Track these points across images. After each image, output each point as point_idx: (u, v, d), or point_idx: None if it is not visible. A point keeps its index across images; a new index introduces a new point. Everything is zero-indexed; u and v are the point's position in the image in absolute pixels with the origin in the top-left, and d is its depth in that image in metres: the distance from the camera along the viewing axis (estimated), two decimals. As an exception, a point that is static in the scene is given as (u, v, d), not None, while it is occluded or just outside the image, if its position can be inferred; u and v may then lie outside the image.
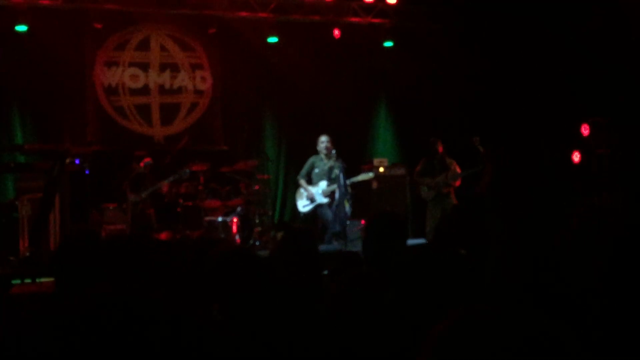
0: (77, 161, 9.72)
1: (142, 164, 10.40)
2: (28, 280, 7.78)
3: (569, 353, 1.20)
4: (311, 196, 10.39)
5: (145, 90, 12.11)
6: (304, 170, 10.60)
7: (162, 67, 12.22)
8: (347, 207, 9.85)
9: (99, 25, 11.35)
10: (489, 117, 11.65)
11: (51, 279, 7.84)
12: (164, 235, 10.61)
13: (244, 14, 11.99)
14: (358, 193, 10.86)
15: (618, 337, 1.97)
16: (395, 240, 3.85)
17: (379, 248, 3.80)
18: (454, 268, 2.15)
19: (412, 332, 1.97)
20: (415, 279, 2.13)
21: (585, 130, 11.05)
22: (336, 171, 10.08)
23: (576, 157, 11.16)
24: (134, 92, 12.03)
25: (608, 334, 1.95)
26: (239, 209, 10.89)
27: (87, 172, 9.92)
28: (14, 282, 7.58)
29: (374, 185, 11.47)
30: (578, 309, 2.20)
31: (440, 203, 10.37)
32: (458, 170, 10.51)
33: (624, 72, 10.41)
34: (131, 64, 12.04)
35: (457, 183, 10.54)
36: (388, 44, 12.54)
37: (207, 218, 10.62)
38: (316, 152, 10.55)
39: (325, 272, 4.06)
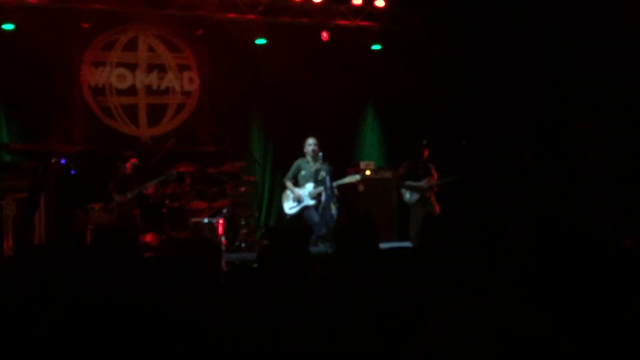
0: (63, 161, 9.70)
1: (128, 165, 10.37)
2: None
3: (561, 348, 1.21)
4: (298, 197, 10.38)
5: (132, 90, 12.08)
6: (290, 173, 10.60)
7: (150, 68, 12.19)
8: (334, 209, 9.85)
9: (86, 25, 11.31)
10: (477, 121, 11.68)
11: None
12: (149, 236, 10.61)
13: (232, 15, 11.97)
14: (345, 196, 10.86)
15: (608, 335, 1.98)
16: (368, 241, 3.86)
17: (352, 251, 3.80)
18: (432, 270, 2.15)
19: (389, 335, 1.97)
20: (392, 281, 2.13)
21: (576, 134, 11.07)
22: (322, 173, 10.08)
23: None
24: (121, 92, 11.99)
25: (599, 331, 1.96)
26: (225, 210, 10.87)
27: (72, 172, 9.89)
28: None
29: (361, 188, 11.48)
30: (568, 305, 2.21)
31: (424, 207, 10.39)
32: (435, 177, 10.55)
33: (617, 77, 10.45)
34: (118, 64, 12.01)
35: (435, 189, 10.60)
36: (376, 47, 12.57)
37: (193, 219, 10.60)
38: (303, 155, 10.55)
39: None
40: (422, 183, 10.51)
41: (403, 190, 10.66)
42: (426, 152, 10.61)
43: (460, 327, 1.24)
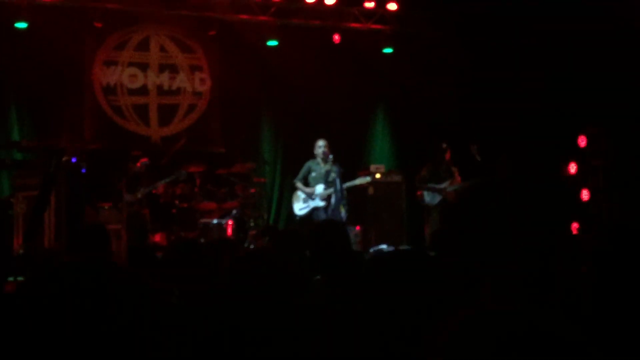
0: (73, 159, 9.70)
1: (138, 164, 10.39)
2: (21, 279, 7.75)
3: (577, 352, 1.20)
4: (310, 193, 10.35)
5: (143, 90, 12.10)
6: (300, 174, 10.60)
7: (161, 68, 12.21)
8: (343, 211, 9.85)
9: (99, 24, 11.34)
10: (487, 126, 11.64)
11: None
12: (158, 236, 10.63)
13: (244, 16, 11.99)
14: (354, 199, 10.86)
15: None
16: (339, 244, 3.86)
17: (325, 255, 3.80)
18: (424, 272, 2.13)
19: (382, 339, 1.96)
20: (384, 284, 2.11)
21: (582, 141, 11.06)
22: (333, 175, 10.08)
23: (572, 168, 11.16)
24: (132, 92, 12.02)
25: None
26: (234, 211, 10.88)
27: (83, 170, 9.89)
28: (8, 279, 7.55)
29: (370, 191, 11.47)
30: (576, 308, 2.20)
31: (444, 209, 10.32)
32: (458, 180, 10.49)
33: (621, 82, 10.42)
34: (130, 64, 12.04)
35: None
36: (388, 50, 12.56)
37: (202, 220, 10.61)
38: (313, 156, 10.54)
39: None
40: (444, 185, 10.45)
41: (426, 192, 10.57)
42: (448, 154, 10.54)
43: (475, 332, 1.23)
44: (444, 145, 10.52)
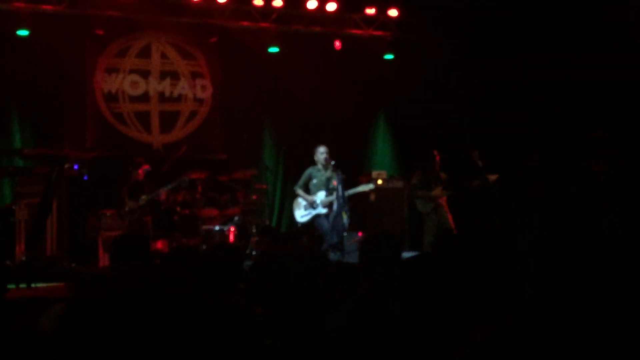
0: (75, 167, 9.72)
1: (140, 171, 10.38)
2: (23, 285, 7.75)
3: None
4: (312, 202, 10.34)
5: (145, 97, 12.11)
6: (301, 181, 10.57)
7: (163, 75, 12.23)
8: (345, 218, 9.83)
9: (100, 32, 11.36)
10: (488, 131, 11.63)
11: (46, 284, 7.83)
12: (160, 243, 10.61)
13: (245, 23, 12.01)
14: (356, 205, 10.85)
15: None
16: (390, 260, 3.87)
17: (374, 267, 3.81)
18: (452, 276, 2.13)
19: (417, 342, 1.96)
20: (416, 288, 2.12)
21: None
22: (334, 182, 10.07)
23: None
24: (133, 99, 12.03)
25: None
26: (236, 218, 10.87)
27: (85, 178, 9.91)
28: (9, 286, 7.55)
29: (372, 197, 11.47)
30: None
31: (437, 216, 10.36)
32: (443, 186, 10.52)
33: (623, 88, 10.42)
34: (132, 71, 12.05)
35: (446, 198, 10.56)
36: (389, 56, 12.58)
37: (204, 227, 10.60)
38: (314, 163, 10.53)
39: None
40: (435, 192, 10.47)
41: (418, 200, 10.62)
42: (437, 162, 10.58)
43: (504, 341, 1.22)
44: (435, 152, 10.54)
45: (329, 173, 10.30)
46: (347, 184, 10.18)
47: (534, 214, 9.99)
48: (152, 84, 12.15)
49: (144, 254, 4.06)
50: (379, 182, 11.64)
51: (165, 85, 12.23)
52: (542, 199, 10.31)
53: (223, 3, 11.72)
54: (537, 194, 10.36)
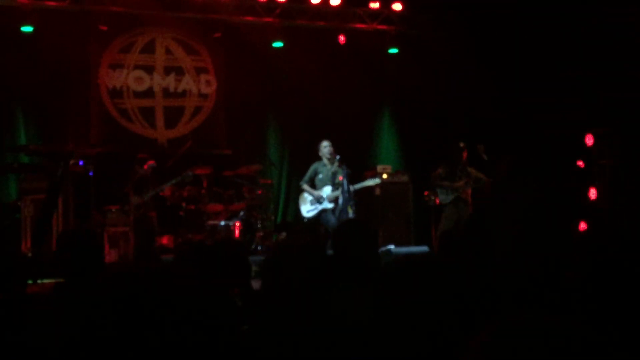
0: (81, 163, 9.73)
1: (145, 167, 10.38)
2: (29, 281, 7.76)
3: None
4: (319, 197, 10.31)
5: (149, 93, 12.12)
6: (307, 176, 10.53)
7: (167, 70, 12.23)
8: (351, 213, 9.82)
9: (104, 27, 11.35)
10: (493, 126, 11.62)
11: (52, 280, 7.84)
12: (165, 239, 10.63)
13: (249, 18, 11.99)
14: (361, 199, 10.83)
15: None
16: (366, 248, 3.84)
17: (349, 256, 3.78)
18: (447, 277, 2.12)
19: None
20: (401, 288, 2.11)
21: (589, 140, 11.05)
22: (340, 176, 10.05)
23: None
24: (138, 94, 12.04)
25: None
26: (241, 213, 10.88)
27: (90, 173, 9.91)
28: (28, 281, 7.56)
29: (377, 192, 11.46)
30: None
31: (456, 208, 10.22)
32: (482, 175, 10.33)
33: (628, 82, 10.40)
34: (136, 67, 12.06)
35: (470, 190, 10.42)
36: (393, 50, 12.55)
37: (210, 222, 10.62)
38: (319, 158, 10.51)
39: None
40: (459, 184, 10.29)
41: (439, 190, 10.44)
42: (465, 154, 10.38)
43: (512, 342, 1.22)
44: (462, 145, 10.35)
45: (334, 168, 10.28)
46: (353, 178, 10.17)
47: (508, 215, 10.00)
48: (157, 80, 12.15)
49: (92, 248, 3.95)
50: (384, 176, 11.63)
51: (170, 81, 12.24)
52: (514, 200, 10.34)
53: (227, -2, 11.73)
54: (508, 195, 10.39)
